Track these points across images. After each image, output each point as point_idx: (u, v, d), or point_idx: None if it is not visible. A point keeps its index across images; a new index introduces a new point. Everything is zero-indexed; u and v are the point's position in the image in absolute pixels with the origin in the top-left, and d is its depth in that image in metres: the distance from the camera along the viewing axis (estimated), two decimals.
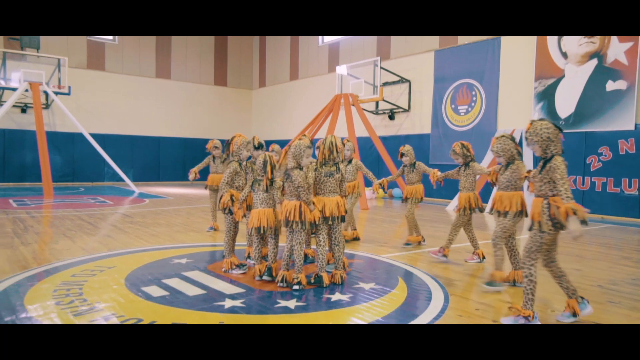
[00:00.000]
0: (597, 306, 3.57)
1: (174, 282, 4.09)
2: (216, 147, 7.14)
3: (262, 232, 4.03)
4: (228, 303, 3.53)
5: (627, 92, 9.80)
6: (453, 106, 13.30)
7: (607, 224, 9.10)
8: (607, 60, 10.12)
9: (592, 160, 10.30)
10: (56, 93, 15.29)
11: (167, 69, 19.81)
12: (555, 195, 2.98)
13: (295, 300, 3.62)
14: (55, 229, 6.93)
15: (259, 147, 4.67)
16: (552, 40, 11.04)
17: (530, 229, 3.09)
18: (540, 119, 3.13)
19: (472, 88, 12.81)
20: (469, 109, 12.90)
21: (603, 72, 10.17)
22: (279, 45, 20.41)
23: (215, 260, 5.06)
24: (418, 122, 14.40)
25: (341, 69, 14.39)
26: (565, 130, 10.72)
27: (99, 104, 18.06)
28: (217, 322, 3.12)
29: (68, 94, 15.83)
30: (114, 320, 3.11)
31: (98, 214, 8.90)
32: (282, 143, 17.76)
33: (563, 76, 10.83)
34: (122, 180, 16.27)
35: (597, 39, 10.28)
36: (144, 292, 3.77)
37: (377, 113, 15.35)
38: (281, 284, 3.91)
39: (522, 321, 3.04)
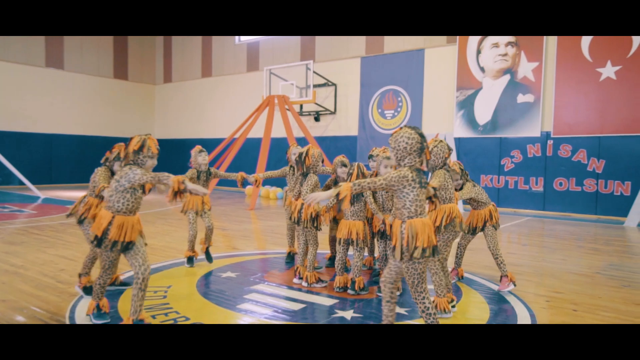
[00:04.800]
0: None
1: (260, 298, 4.02)
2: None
3: (349, 244, 4.18)
4: (346, 314, 3.64)
5: (534, 105, 11.59)
6: (380, 110, 14.23)
7: (519, 217, 10.72)
8: (518, 76, 11.83)
9: (505, 162, 11.97)
10: None
11: (60, 58, 17.66)
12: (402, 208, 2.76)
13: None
14: (51, 244, 6.01)
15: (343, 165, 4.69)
16: (471, 55, 12.50)
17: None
18: (412, 127, 2.78)
19: (398, 94, 13.87)
20: (395, 114, 13.94)
21: (515, 86, 11.87)
22: (187, 39, 19.48)
23: (260, 270, 4.99)
24: (344, 124, 15.09)
25: (271, 70, 14.42)
26: (483, 136, 12.30)
27: None
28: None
29: None
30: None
31: (42, 226, 7.83)
32: (193, 142, 17.05)
33: (481, 88, 12.36)
34: (13, 184, 14.19)
35: (509, 57, 11.95)
36: (250, 312, 3.67)
37: (301, 114, 15.67)
38: (352, 292, 4.15)
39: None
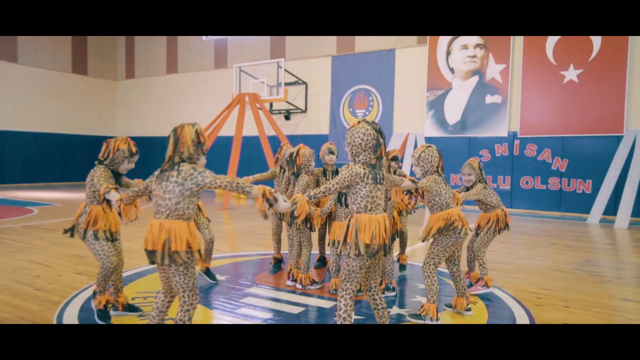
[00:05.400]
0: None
1: (257, 302, 3.91)
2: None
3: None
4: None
5: (502, 105, 11.93)
6: (351, 109, 14.27)
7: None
8: (486, 78, 12.15)
9: None
10: None
11: (13, 51, 16.69)
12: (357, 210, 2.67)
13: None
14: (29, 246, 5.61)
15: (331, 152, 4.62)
16: (441, 56, 12.73)
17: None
18: (368, 122, 2.67)
19: (369, 94, 13.95)
20: (367, 113, 14.02)
21: (483, 87, 12.18)
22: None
23: (249, 272, 4.86)
24: (315, 123, 15.04)
25: (242, 68, 14.18)
26: (453, 135, 12.55)
27: None
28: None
29: None
30: None
31: (5, 229, 7.35)
32: (158, 140, 16.47)
33: (451, 88, 12.60)
34: None
35: (478, 58, 12.25)
36: (251, 317, 3.56)
37: (272, 113, 15.50)
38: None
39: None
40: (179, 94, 18.11)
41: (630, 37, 10.40)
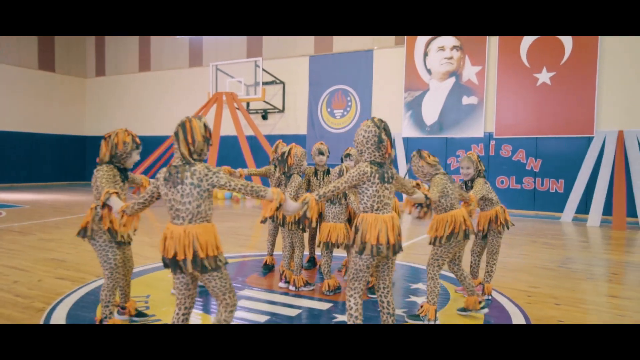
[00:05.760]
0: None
1: (251, 305, 3.83)
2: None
3: (330, 247, 4.09)
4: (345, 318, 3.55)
5: (478, 106, 12.16)
6: (329, 109, 14.26)
7: None
8: (463, 79, 12.35)
9: (451, 161, 12.46)
10: None
11: None
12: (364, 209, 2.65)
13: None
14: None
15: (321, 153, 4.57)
16: (418, 57, 12.87)
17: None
18: (373, 119, 2.65)
19: (347, 94, 13.97)
20: (345, 113, 14.04)
21: (460, 88, 12.38)
22: None
23: (238, 274, 4.76)
24: (293, 123, 14.96)
25: (219, 67, 13.98)
26: (430, 136, 12.71)
27: None
28: None
29: None
30: None
31: None
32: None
33: (428, 89, 12.76)
34: None
35: (454, 60, 12.44)
36: (247, 320, 3.48)
37: (249, 112, 15.34)
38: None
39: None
40: (152, 92, 17.70)
41: (600, 42, 10.77)
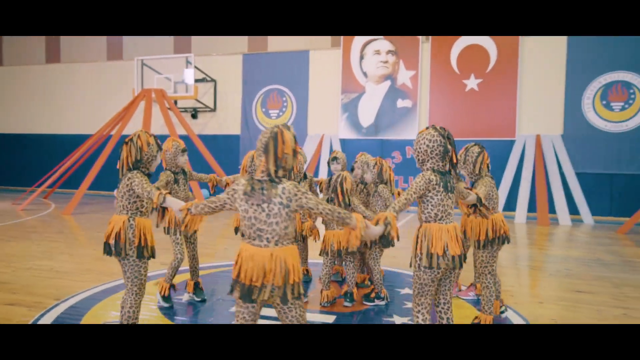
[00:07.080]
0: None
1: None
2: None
3: (333, 255, 3.95)
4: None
5: (412, 109, 12.61)
6: (264, 110, 13.95)
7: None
8: (398, 83, 12.74)
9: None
10: None
11: None
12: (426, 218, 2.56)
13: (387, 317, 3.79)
14: None
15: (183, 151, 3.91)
16: (354, 60, 13.04)
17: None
18: (435, 128, 2.56)
19: (283, 94, 13.77)
20: (280, 114, 13.82)
21: (395, 91, 12.75)
22: None
23: (223, 289, 4.41)
24: (225, 123, 14.43)
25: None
26: (367, 138, 12.95)
27: None
28: None
29: None
30: None
31: None
32: (37, 137, 14.54)
33: (364, 92, 12.98)
34: None
35: (390, 64, 12.78)
36: None
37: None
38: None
39: None
40: (62, 86, 16.08)
41: (519, 51, 11.69)
